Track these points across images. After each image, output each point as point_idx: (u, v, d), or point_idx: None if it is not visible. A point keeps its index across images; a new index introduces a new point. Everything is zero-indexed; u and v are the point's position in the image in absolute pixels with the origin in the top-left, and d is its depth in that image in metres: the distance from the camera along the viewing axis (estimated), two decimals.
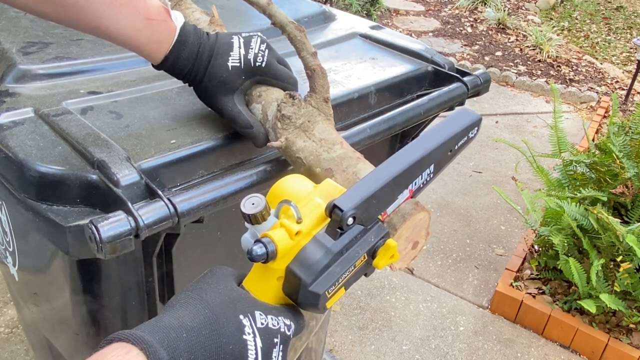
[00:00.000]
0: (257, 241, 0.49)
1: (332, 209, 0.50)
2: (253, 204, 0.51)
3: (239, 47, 0.76)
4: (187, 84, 0.78)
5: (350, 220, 0.50)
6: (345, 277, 0.50)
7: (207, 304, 0.45)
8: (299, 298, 0.49)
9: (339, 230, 0.50)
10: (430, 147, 0.59)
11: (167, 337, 0.42)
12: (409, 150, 0.58)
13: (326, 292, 0.49)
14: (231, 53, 0.75)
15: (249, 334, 0.45)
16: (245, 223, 0.53)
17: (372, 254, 0.53)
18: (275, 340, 0.47)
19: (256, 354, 0.45)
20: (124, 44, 0.71)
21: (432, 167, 0.62)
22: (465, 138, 0.65)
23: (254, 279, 0.52)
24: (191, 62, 0.74)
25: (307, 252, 0.49)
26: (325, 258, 0.49)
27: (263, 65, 0.77)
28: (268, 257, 0.48)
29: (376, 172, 0.55)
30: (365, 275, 0.55)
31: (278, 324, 0.48)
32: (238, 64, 0.75)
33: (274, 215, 0.53)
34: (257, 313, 0.47)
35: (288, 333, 0.49)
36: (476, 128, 0.67)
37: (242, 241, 0.54)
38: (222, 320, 0.44)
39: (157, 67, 0.75)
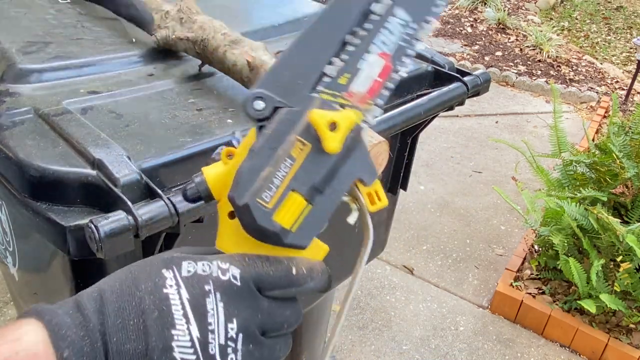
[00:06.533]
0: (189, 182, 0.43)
1: (245, 101, 0.41)
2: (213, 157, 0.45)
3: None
4: (188, 83, 0.78)
5: (258, 104, 0.40)
6: (284, 175, 0.40)
7: (128, 269, 0.41)
8: (240, 220, 0.41)
9: (260, 125, 0.41)
10: None
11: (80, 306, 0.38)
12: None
13: (260, 201, 0.39)
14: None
15: (170, 286, 0.39)
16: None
17: (310, 134, 0.40)
18: (207, 287, 0.40)
19: (183, 306, 0.39)
20: None
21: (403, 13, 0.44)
22: None
23: (219, 233, 0.45)
24: None
25: (239, 168, 0.41)
26: (247, 161, 0.40)
27: None
28: (199, 190, 0.43)
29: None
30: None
31: (209, 269, 0.40)
32: None
33: None
34: (185, 263, 0.41)
35: (224, 278, 0.40)
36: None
37: None
38: (139, 280, 0.40)
39: None
